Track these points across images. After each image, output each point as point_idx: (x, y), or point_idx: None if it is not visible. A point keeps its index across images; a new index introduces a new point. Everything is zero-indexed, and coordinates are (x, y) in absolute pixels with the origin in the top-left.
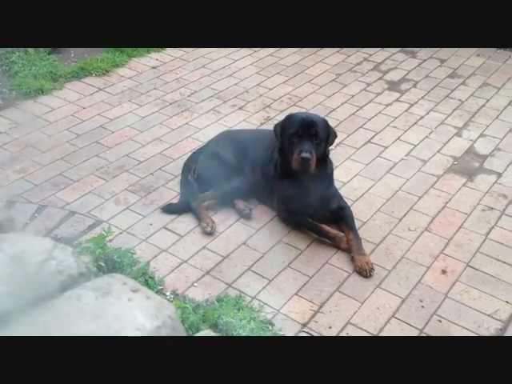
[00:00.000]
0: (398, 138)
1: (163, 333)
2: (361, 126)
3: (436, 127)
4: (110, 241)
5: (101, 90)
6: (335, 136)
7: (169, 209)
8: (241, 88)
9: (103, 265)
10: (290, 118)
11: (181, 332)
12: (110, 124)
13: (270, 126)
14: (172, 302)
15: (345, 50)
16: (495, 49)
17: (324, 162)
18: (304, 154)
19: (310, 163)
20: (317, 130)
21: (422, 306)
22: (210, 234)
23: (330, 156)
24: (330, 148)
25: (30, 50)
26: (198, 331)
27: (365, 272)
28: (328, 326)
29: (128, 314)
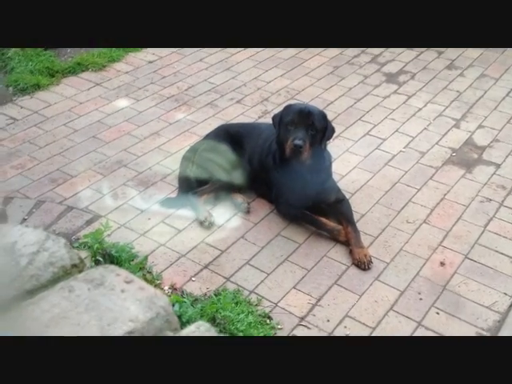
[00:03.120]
0: (397, 130)
1: (157, 324)
2: (359, 119)
3: (434, 119)
4: (108, 235)
5: (98, 85)
6: (333, 131)
7: (167, 203)
8: (238, 82)
9: (101, 259)
10: (288, 107)
11: (175, 324)
12: (107, 119)
13: (267, 120)
14: (170, 296)
15: None
16: None
17: (321, 155)
18: (297, 141)
19: (302, 150)
20: (313, 120)
21: (421, 299)
22: (208, 228)
23: (328, 148)
24: (328, 142)
25: None
26: None
27: (363, 265)
28: (326, 319)
29: (121, 305)
